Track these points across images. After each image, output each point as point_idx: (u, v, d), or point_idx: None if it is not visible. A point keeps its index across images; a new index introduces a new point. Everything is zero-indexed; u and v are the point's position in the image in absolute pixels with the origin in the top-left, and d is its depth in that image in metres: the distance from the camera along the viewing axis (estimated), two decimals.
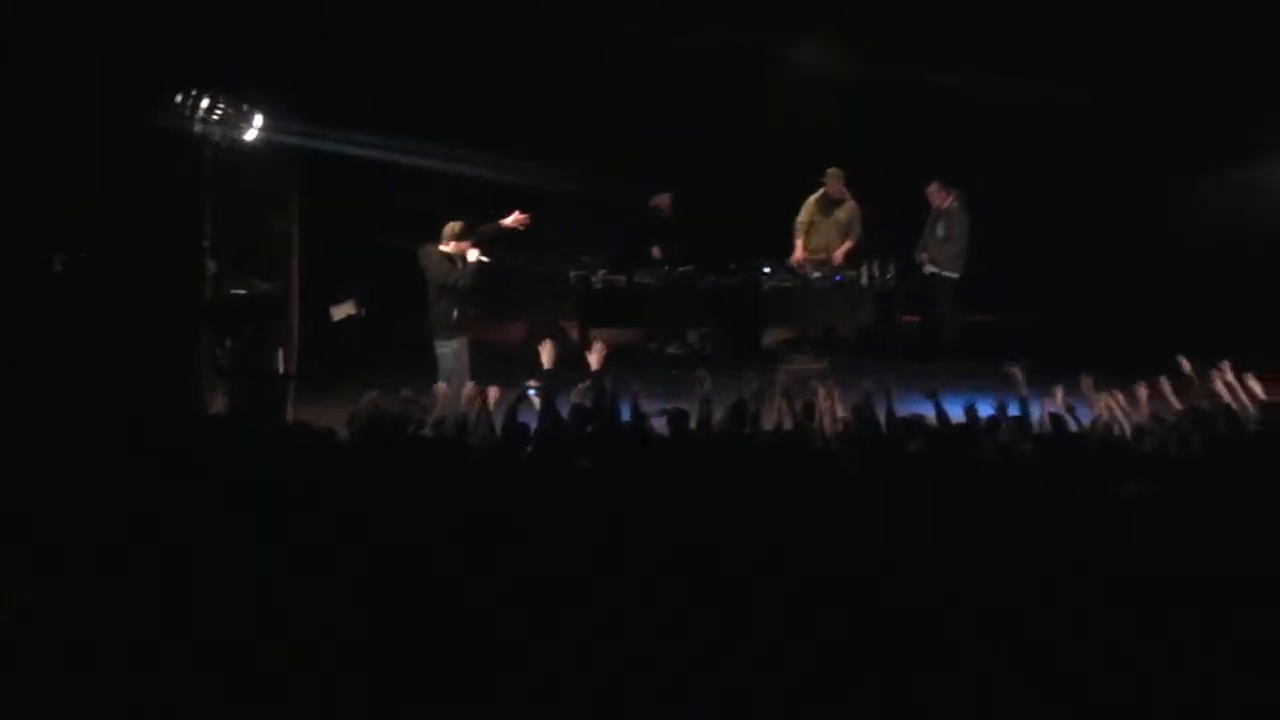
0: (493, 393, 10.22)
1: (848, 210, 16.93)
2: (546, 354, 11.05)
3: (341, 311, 15.96)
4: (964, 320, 16.85)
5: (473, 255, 12.98)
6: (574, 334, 16.50)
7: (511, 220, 13.32)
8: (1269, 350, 10.99)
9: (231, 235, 13.28)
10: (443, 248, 13.08)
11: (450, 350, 12.92)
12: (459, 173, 16.08)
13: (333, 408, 11.50)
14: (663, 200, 17.16)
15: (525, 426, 9.53)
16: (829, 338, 17.30)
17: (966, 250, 16.55)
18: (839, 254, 16.85)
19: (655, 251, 17.03)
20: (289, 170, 14.29)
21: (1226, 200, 15.20)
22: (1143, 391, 10.03)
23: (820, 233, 16.98)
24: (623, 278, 16.72)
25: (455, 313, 12.97)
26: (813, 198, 17.02)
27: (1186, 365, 10.55)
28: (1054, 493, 7.85)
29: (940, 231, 16.60)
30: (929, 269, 16.70)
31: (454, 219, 13.23)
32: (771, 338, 17.11)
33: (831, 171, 16.87)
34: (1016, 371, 10.25)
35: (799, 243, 16.96)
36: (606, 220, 17.53)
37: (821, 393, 10.20)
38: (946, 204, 16.60)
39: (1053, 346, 14.11)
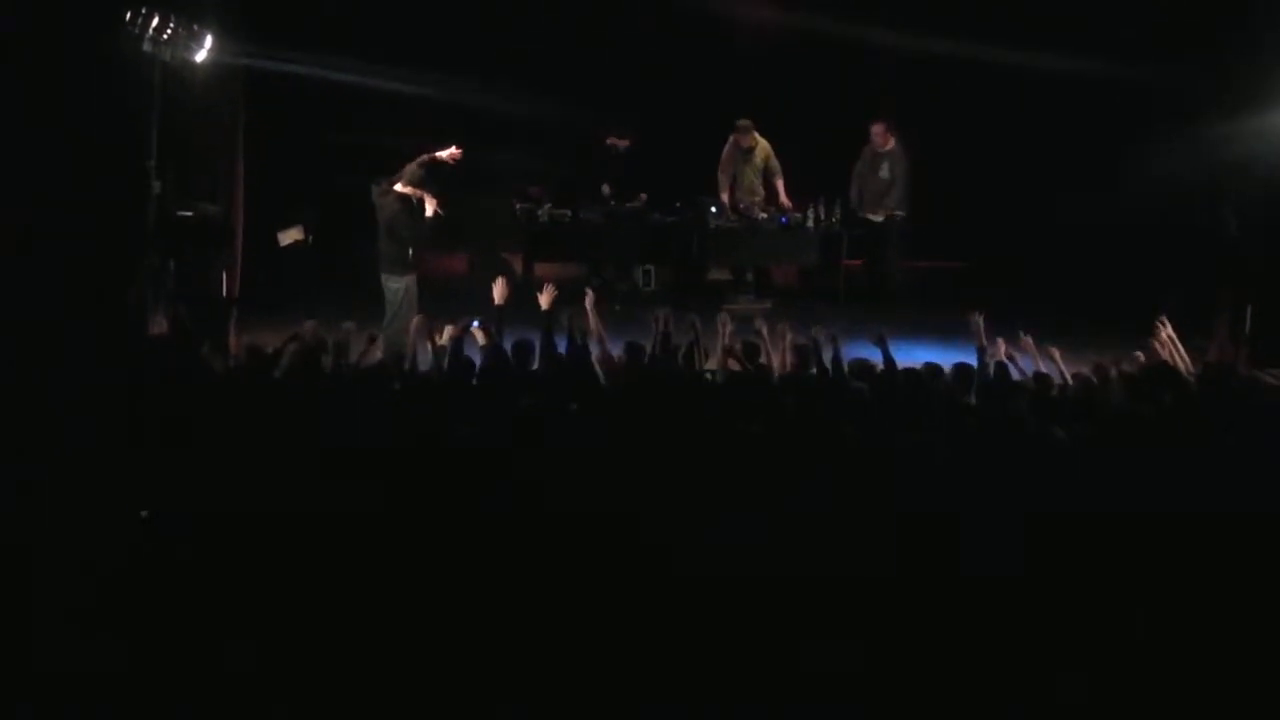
0: (447, 331, 10.17)
1: (762, 152, 16.88)
2: (499, 291, 10.94)
3: (288, 237, 15.78)
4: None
5: (430, 207, 12.75)
6: (517, 268, 16.38)
7: (445, 154, 13.06)
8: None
9: (178, 157, 13.08)
10: (399, 187, 12.81)
11: (401, 286, 12.74)
12: (412, 98, 15.88)
13: (276, 334, 11.35)
14: (620, 140, 16.97)
15: (470, 361, 9.47)
16: (773, 279, 17.32)
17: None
18: (783, 196, 16.78)
19: (606, 189, 16.89)
20: (238, 93, 14.07)
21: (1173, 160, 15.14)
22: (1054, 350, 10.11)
23: (744, 182, 16.90)
24: (568, 212, 16.58)
25: (410, 251, 12.79)
26: (725, 151, 16.90)
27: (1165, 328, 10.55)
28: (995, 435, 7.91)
29: (885, 173, 16.56)
30: (876, 214, 16.61)
31: (408, 153, 13.03)
32: (715, 277, 17.03)
33: (741, 124, 16.71)
34: (979, 320, 10.21)
35: (724, 196, 16.79)
36: (555, 152, 17.37)
37: (766, 331, 10.19)
38: (889, 146, 16.54)
39: (995, 297, 14.09)
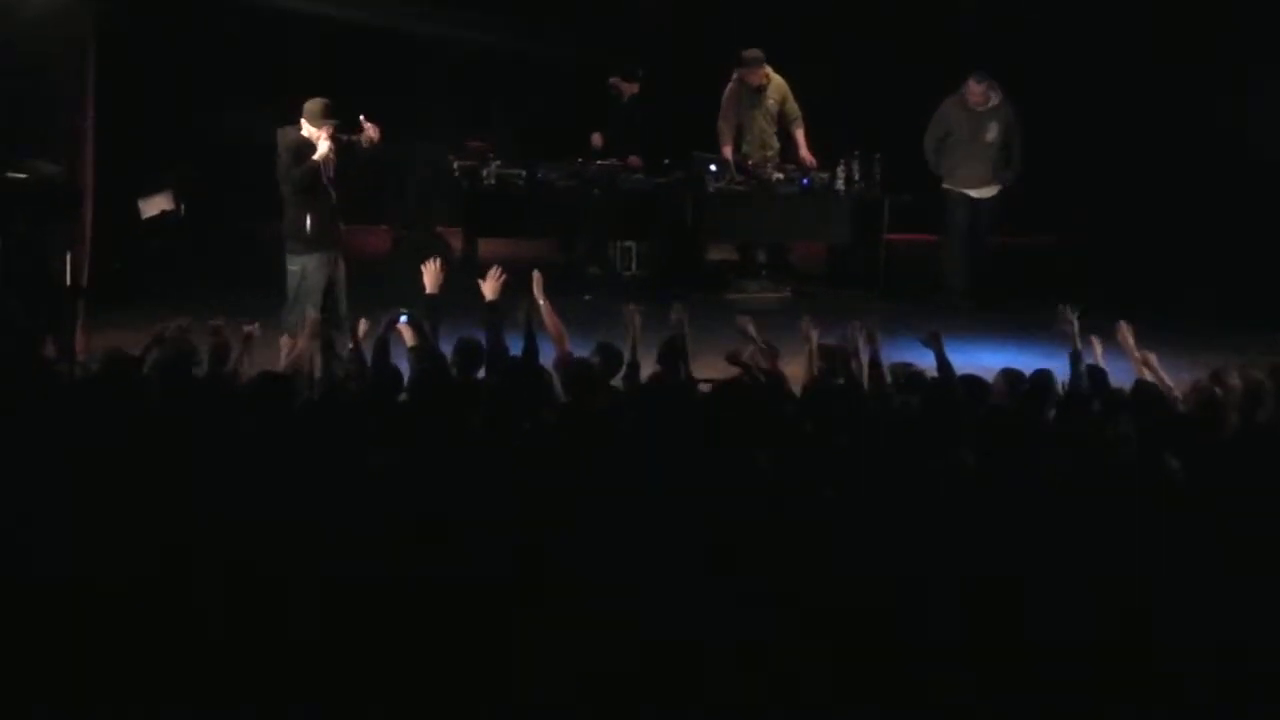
0: (360, 325, 10.19)
1: (777, 92, 16.86)
2: (430, 276, 10.94)
3: (154, 206, 15.77)
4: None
5: (323, 147, 12.68)
6: (456, 246, 16.38)
7: (361, 135, 13.02)
8: None
9: (7, 104, 13.08)
10: (303, 132, 12.79)
11: (298, 268, 12.66)
12: (314, 21, 15.94)
13: (137, 333, 11.35)
14: (628, 84, 17.00)
15: (396, 369, 9.50)
16: (791, 260, 17.36)
17: None
18: (805, 150, 16.80)
19: (596, 139, 16.91)
20: (85, 23, 14.08)
21: None
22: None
23: (752, 133, 16.90)
24: (521, 173, 16.58)
25: (308, 219, 12.69)
26: (728, 92, 16.90)
27: None
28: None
29: (992, 134, 16.23)
30: (984, 188, 16.34)
31: (313, 91, 13.03)
32: (717, 257, 17.08)
33: (748, 55, 16.69)
34: (1072, 314, 10.25)
35: (727, 150, 16.83)
36: (511, 88, 17.45)
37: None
38: (993, 102, 16.24)
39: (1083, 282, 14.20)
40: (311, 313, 10.53)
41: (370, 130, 12.80)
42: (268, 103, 13.53)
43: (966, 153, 16.28)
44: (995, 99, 16.20)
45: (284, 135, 12.72)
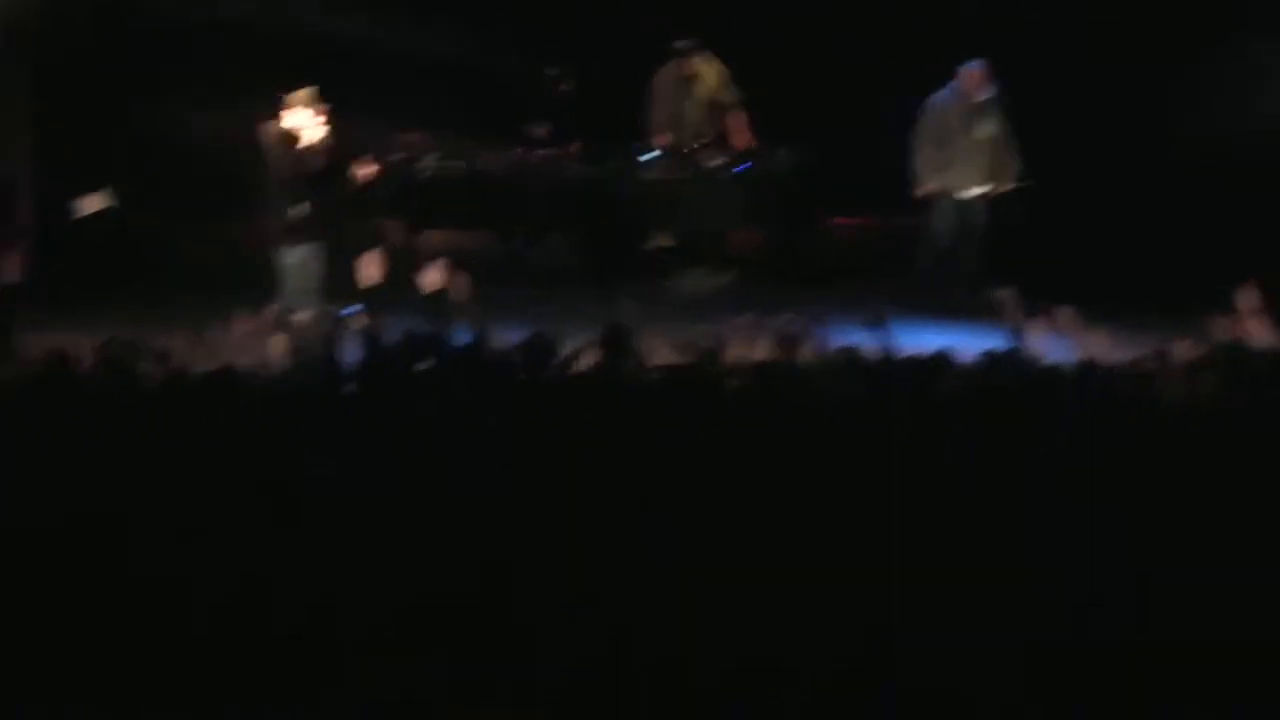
0: (300, 320, 10.21)
1: (711, 76, 16.85)
2: (369, 269, 10.93)
3: (93, 203, 15.69)
4: None
5: (320, 133, 12.59)
6: (396, 237, 16.34)
7: (360, 172, 13.01)
8: None
9: None
10: (288, 122, 12.72)
11: (296, 261, 12.56)
12: (250, 22, 15.90)
13: (77, 334, 11.29)
14: (564, 80, 17.00)
15: (340, 362, 9.50)
16: (731, 247, 17.36)
17: None
18: (742, 135, 16.79)
19: (540, 130, 16.88)
20: (19, 23, 14.03)
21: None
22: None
23: (687, 121, 16.91)
24: (461, 164, 16.58)
25: (301, 210, 12.62)
26: (662, 80, 16.90)
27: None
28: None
29: (985, 129, 15.38)
30: (975, 187, 15.52)
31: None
32: (655, 245, 17.09)
33: (680, 44, 16.72)
34: (1009, 296, 10.35)
35: (661, 138, 16.85)
36: (451, 85, 17.42)
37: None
38: (990, 93, 15.40)
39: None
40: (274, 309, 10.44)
41: (367, 170, 12.82)
42: (205, 100, 13.47)
43: (958, 151, 15.39)
44: (990, 91, 15.33)
45: (268, 128, 12.69)
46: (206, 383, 9.00)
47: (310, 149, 12.57)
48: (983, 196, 15.53)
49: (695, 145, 16.81)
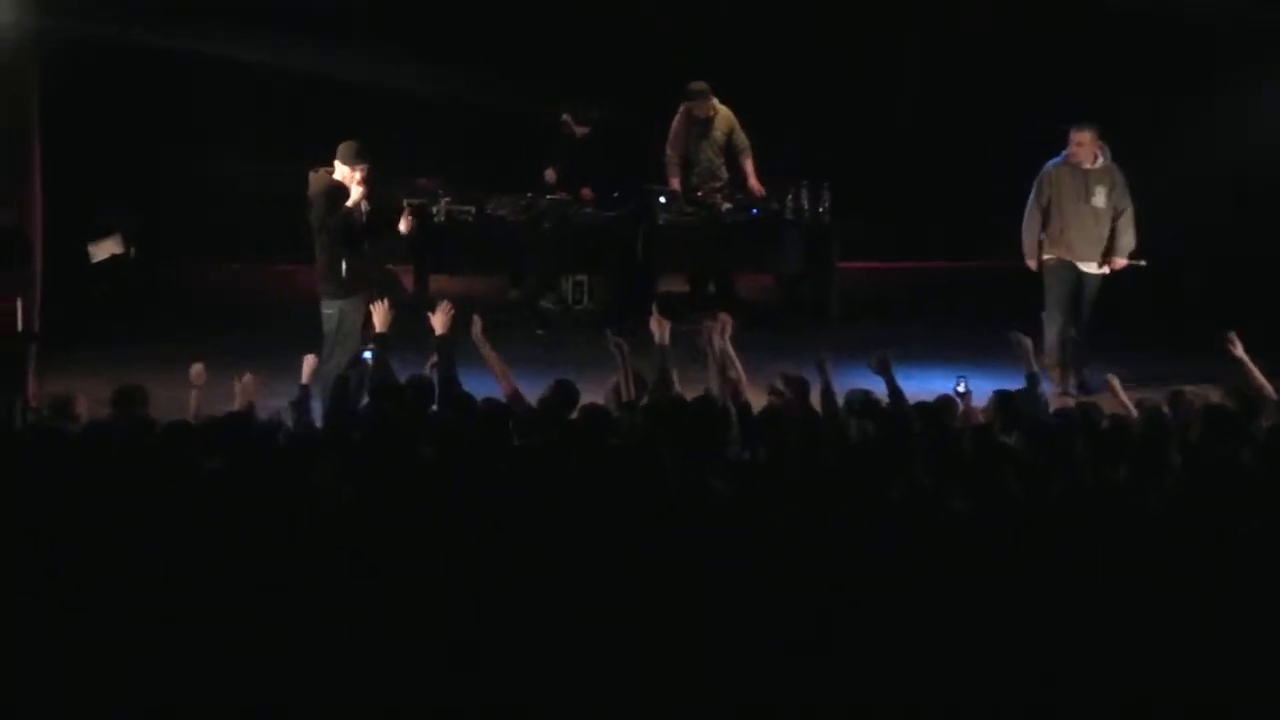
0: (308, 362, 10.20)
1: (724, 123, 16.84)
2: (379, 314, 10.94)
3: (104, 250, 15.71)
4: None
5: (355, 193, 12.55)
6: (407, 283, 16.33)
7: (403, 226, 13.01)
8: None
9: None
10: (336, 175, 12.65)
11: (334, 312, 12.47)
12: (265, 67, 15.94)
13: (89, 381, 11.33)
14: (578, 125, 16.99)
15: (352, 407, 9.52)
16: (740, 291, 17.33)
17: None
18: (754, 180, 16.80)
19: (550, 174, 16.90)
20: (32, 62, 14.04)
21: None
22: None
23: (701, 164, 16.89)
24: (471, 209, 16.57)
25: (344, 264, 12.56)
26: (675, 124, 16.90)
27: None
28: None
29: (1100, 200, 14.06)
30: (1092, 262, 14.18)
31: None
32: (668, 289, 17.06)
33: (693, 88, 16.69)
34: (1023, 340, 10.41)
35: (674, 181, 16.80)
36: (461, 132, 17.46)
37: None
38: (1100, 161, 14.14)
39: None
40: (248, 377, 10.34)
41: (408, 220, 12.80)
42: (219, 145, 13.52)
43: (1073, 218, 14.14)
44: (1104, 159, 14.12)
45: (316, 180, 12.65)
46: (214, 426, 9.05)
47: (357, 202, 12.51)
48: (1099, 273, 14.20)
49: (708, 187, 16.77)
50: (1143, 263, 14.21)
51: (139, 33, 15.12)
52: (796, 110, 17.61)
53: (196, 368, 10.13)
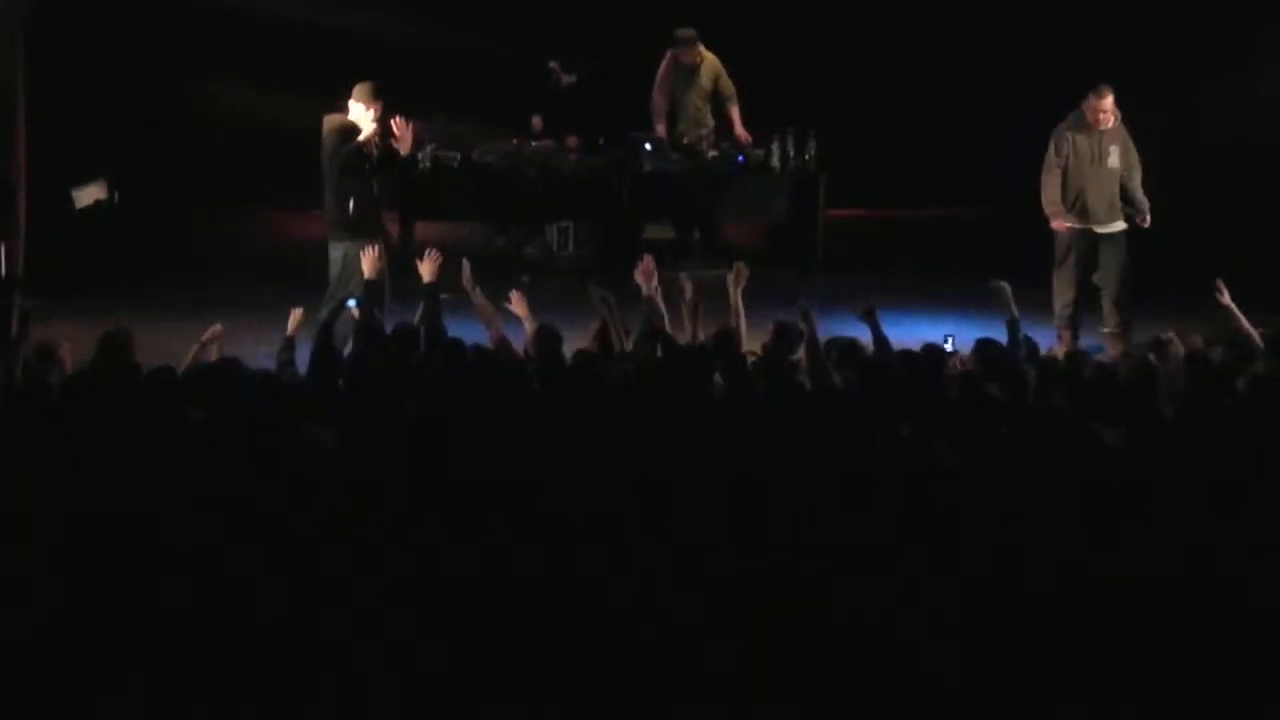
0: (295, 315, 10.21)
1: (710, 70, 16.78)
2: (368, 261, 10.95)
3: (88, 195, 15.67)
4: None
5: (368, 129, 12.47)
6: (393, 229, 16.30)
7: (402, 140, 12.89)
8: None
9: None
10: (351, 115, 12.60)
11: (339, 255, 12.43)
12: (252, 13, 15.94)
13: (75, 326, 11.32)
14: (565, 74, 16.96)
15: (336, 354, 9.53)
16: (727, 238, 17.33)
17: None
18: (740, 128, 16.78)
19: (536, 121, 16.88)
20: (12, 17, 14.03)
21: None
22: None
23: (687, 112, 16.84)
24: (457, 155, 16.54)
25: (351, 205, 12.51)
26: (662, 71, 16.81)
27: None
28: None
29: (1114, 160, 13.81)
30: (1110, 223, 13.94)
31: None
32: (654, 236, 17.05)
33: (681, 34, 16.60)
34: (1003, 286, 10.45)
35: (660, 128, 16.76)
36: (448, 77, 17.44)
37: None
38: (1113, 122, 13.85)
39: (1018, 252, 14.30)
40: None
41: (404, 132, 12.66)
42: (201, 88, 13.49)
43: (1090, 182, 13.86)
44: (1115, 118, 13.87)
45: (330, 120, 12.58)
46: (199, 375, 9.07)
47: (369, 138, 12.45)
48: (1117, 231, 13.93)
49: (695, 134, 16.74)
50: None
51: None
52: (784, 55, 17.55)
53: (215, 328, 10.15)
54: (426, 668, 6.27)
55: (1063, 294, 13.82)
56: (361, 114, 12.39)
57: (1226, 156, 15.90)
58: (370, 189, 12.53)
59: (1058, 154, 13.83)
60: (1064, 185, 13.82)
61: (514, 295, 10.66)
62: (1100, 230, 13.84)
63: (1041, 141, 14.04)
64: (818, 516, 7.04)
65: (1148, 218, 13.81)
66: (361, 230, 12.34)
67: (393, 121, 12.53)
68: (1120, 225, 13.87)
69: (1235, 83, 15.67)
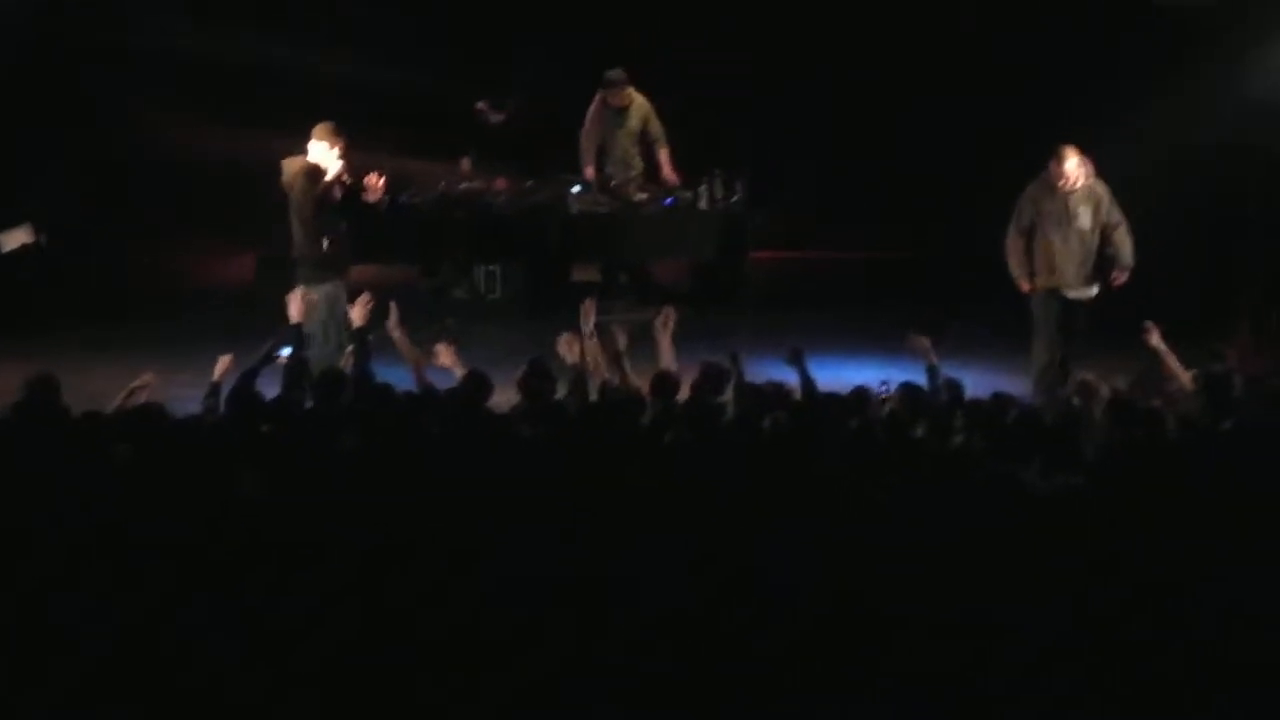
0: (222, 362, 10.22)
1: (639, 112, 16.78)
2: (295, 306, 10.96)
3: (13, 240, 15.60)
4: None
5: (335, 166, 12.45)
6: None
7: (373, 192, 12.88)
8: None
9: None
10: (311, 157, 12.58)
11: (322, 295, 12.37)
12: (181, 44, 15.94)
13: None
14: (494, 112, 16.97)
15: (259, 398, 9.53)
16: (655, 279, 17.36)
17: None
18: (669, 169, 16.82)
19: (465, 164, 16.86)
20: None
21: None
22: None
23: (615, 153, 16.85)
24: (386, 197, 16.48)
25: (324, 244, 12.48)
26: (591, 112, 16.82)
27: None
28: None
29: (1085, 220, 13.31)
30: (1084, 288, 13.48)
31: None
32: (581, 278, 17.08)
33: (611, 75, 16.61)
34: (919, 339, 10.68)
35: (589, 170, 16.82)
36: (375, 111, 17.46)
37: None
38: (1084, 179, 13.33)
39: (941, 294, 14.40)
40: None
41: (376, 186, 12.65)
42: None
43: (1059, 245, 13.36)
44: (1085, 177, 13.34)
45: (291, 164, 12.55)
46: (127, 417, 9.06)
47: (338, 175, 12.45)
48: (1088, 297, 13.51)
49: (623, 177, 16.78)
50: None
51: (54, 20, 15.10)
52: (712, 99, 17.68)
53: (146, 376, 10.14)
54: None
55: (1038, 356, 13.34)
56: (325, 152, 12.40)
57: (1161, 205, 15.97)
58: (340, 227, 12.55)
59: (1019, 220, 13.39)
60: (1032, 249, 13.36)
61: (440, 349, 10.65)
62: (1071, 295, 13.38)
63: (973, 185, 14.20)
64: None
65: (1123, 276, 13.33)
66: (334, 270, 12.38)
67: (367, 178, 12.56)
68: (1092, 290, 13.41)
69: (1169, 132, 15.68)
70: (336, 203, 12.47)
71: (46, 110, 16.26)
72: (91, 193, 16.62)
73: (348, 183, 12.48)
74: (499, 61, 17.55)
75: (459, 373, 10.27)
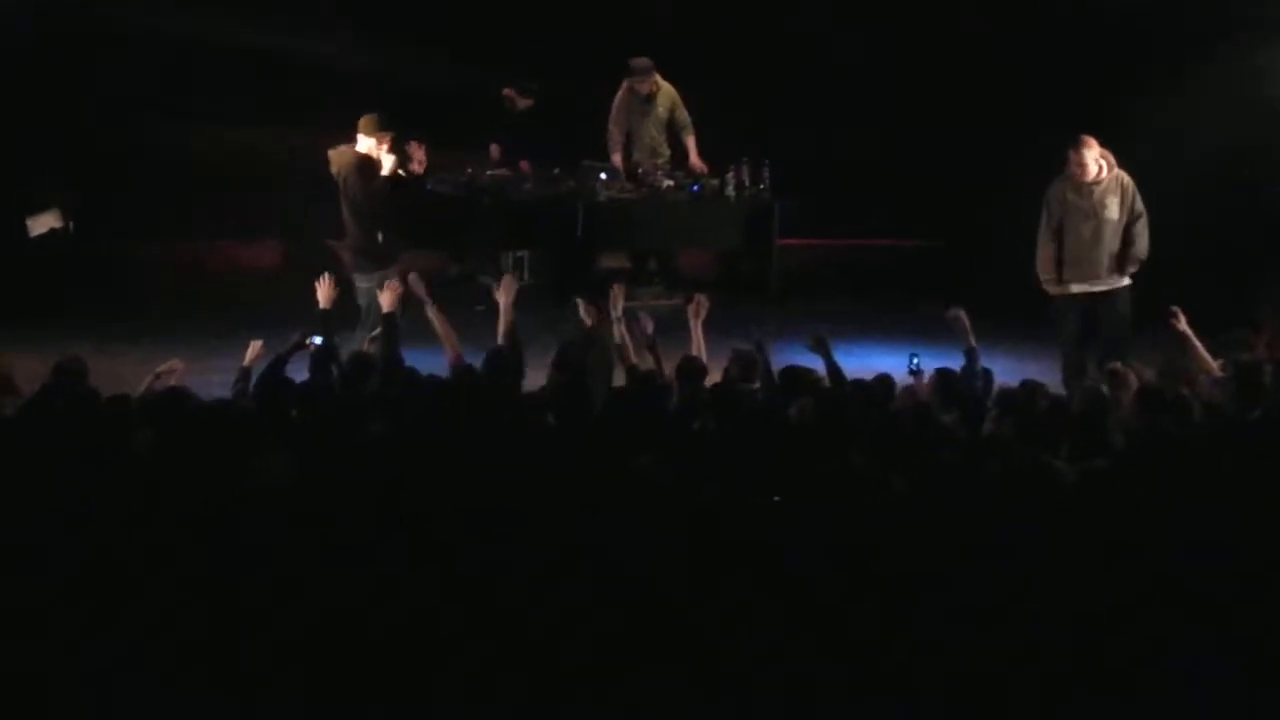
0: (253, 347, 10.25)
1: (666, 100, 16.89)
2: (323, 291, 10.99)
3: (41, 224, 15.64)
4: None
5: (387, 162, 12.66)
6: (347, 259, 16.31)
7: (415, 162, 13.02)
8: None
9: None
10: (360, 148, 12.71)
11: (370, 285, 12.44)
12: (185, 37, 15.96)
13: (25, 358, 11.30)
14: (521, 97, 16.96)
15: (289, 384, 9.54)
16: (681, 267, 17.35)
17: None
18: (695, 156, 16.84)
19: (494, 150, 16.88)
20: None
21: None
22: None
23: (642, 140, 16.98)
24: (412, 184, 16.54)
25: (380, 235, 12.66)
26: (618, 100, 16.95)
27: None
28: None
29: (1112, 212, 13.10)
30: (1102, 281, 13.28)
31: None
32: (608, 265, 17.07)
33: (637, 63, 16.72)
34: (960, 315, 10.57)
35: (616, 157, 16.91)
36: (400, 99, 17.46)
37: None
38: (1107, 172, 13.18)
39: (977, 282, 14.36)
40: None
41: (419, 155, 12.83)
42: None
43: (1089, 237, 13.19)
44: (1108, 168, 13.19)
45: (340, 156, 12.74)
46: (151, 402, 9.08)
47: (392, 170, 12.64)
48: (1118, 287, 13.29)
49: (650, 164, 16.78)
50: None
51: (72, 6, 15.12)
52: (741, 87, 17.66)
53: (174, 363, 10.18)
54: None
55: (1067, 359, 13.21)
56: (373, 147, 12.55)
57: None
58: (394, 220, 12.71)
59: (1049, 218, 13.24)
60: (1061, 244, 13.20)
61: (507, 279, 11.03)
62: (1100, 288, 13.20)
63: (997, 176, 14.13)
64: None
65: (1134, 268, 13.18)
66: (392, 258, 12.55)
67: (409, 146, 12.71)
68: (1124, 279, 13.22)
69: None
70: (389, 195, 12.64)
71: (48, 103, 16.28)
72: (117, 182, 16.65)
73: (402, 176, 12.64)
74: (524, 47, 17.51)
75: (507, 316, 10.44)
